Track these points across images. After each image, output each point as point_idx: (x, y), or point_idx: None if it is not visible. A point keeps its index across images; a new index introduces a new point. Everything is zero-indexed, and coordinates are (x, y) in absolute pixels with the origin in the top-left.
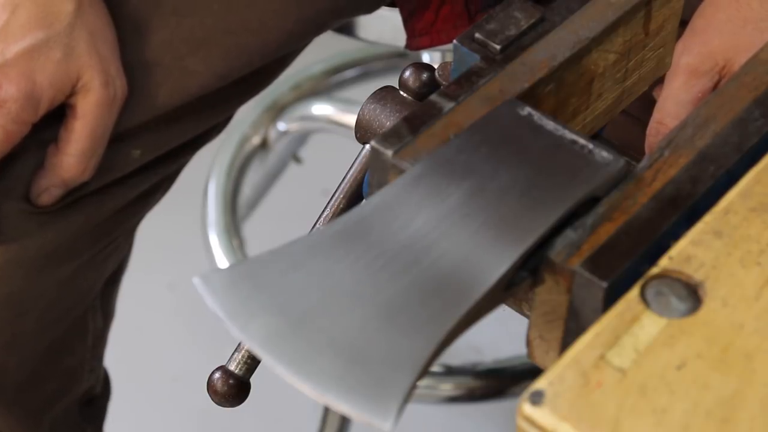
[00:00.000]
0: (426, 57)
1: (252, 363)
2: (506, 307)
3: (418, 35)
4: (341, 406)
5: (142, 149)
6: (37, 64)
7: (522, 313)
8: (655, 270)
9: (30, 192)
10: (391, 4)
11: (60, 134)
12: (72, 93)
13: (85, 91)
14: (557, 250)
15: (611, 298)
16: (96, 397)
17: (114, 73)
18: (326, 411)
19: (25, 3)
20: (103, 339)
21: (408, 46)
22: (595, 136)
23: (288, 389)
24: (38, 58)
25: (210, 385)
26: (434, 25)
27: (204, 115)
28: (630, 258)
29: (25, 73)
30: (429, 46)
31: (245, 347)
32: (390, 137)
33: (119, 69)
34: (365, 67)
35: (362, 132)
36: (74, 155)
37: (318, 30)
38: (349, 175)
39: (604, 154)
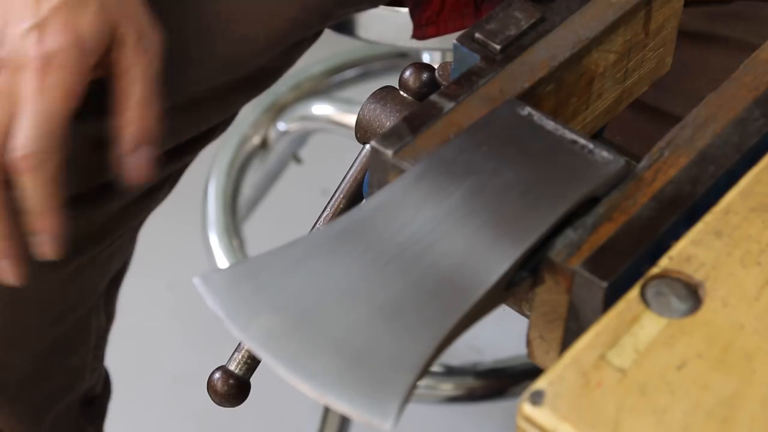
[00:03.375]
0: (426, 57)
1: (252, 363)
2: (506, 307)
3: (425, 24)
4: (341, 406)
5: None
6: (76, 15)
7: (522, 313)
8: (655, 270)
9: (127, 178)
10: (392, 3)
11: (114, 98)
12: (111, 47)
13: (122, 43)
14: (557, 250)
15: (611, 298)
16: (96, 397)
17: (146, 25)
18: (326, 411)
19: None
20: (105, 339)
21: (414, 35)
22: (595, 136)
23: (288, 389)
24: (75, 10)
25: (210, 385)
26: (441, 14)
27: (208, 112)
28: (630, 258)
29: (66, 23)
30: (436, 35)
31: (245, 347)
32: (390, 137)
33: (152, 21)
34: (365, 67)
35: (362, 132)
36: (135, 105)
37: (322, 20)
38: (349, 175)
39: (604, 154)
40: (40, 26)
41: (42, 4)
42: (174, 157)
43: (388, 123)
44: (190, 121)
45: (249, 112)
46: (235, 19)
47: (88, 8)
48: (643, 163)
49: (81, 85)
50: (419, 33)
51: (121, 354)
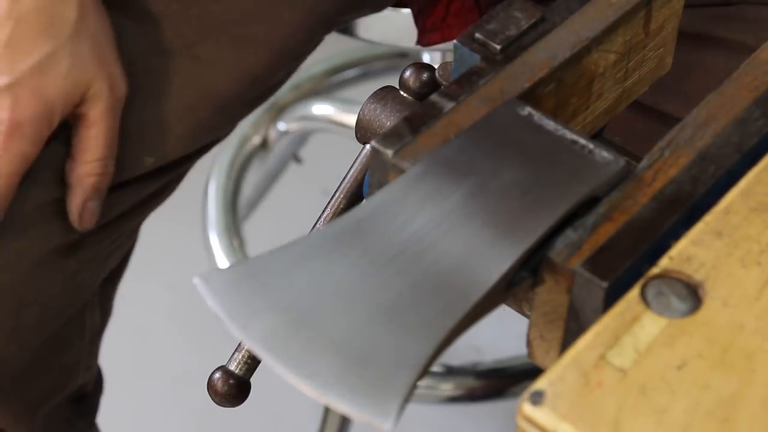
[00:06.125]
0: (426, 57)
1: (252, 363)
2: (506, 307)
3: (429, 31)
4: (341, 406)
5: (156, 156)
6: (48, 79)
7: (522, 313)
8: (655, 270)
9: (71, 217)
10: (395, 4)
11: (73, 146)
12: (81, 102)
13: (95, 99)
14: (557, 250)
15: (611, 298)
16: (88, 394)
17: (117, 74)
18: (326, 411)
19: (26, 15)
20: (99, 337)
21: (419, 42)
22: (595, 136)
23: (288, 389)
24: (48, 72)
25: (210, 385)
26: (445, 20)
27: (210, 121)
28: (630, 258)
29: (37, 91)
30: (440, 41)
31: (245, 347)
32: (390, 137)
33: (121, 69)
34: (365, 67)
35: (362, 132)
36: (94, 161)
37: (325, 26)
38: (349, 175)
39: (604, 154)
40: (12, 88)
41: (17, 64)
42: (177, 164)
43: (388, 123)
44: (196, 134)
45: None
46: (237, 21)
47: (60, 69)
48: (643, 163)
49: (37, 153)
50: (424, 39)
51: (120, 354)
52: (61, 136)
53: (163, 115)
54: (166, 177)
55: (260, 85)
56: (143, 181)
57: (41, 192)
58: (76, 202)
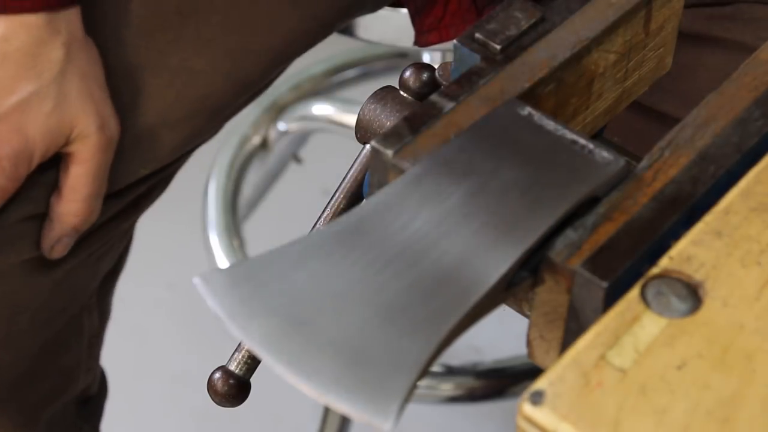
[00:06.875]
0: (426, 57)
1: (252, 363)
2: (506, 307)
3: (426, 31)
4: (341, 406)
5: (150, 167)
6: (29, 117)
7: (522, 313)
8: (655, 270)
9: (42, 245)
10: (393, 4)
11: (61, 182)
12: (68, 142)
13: (82, 138)
14: (557, 250)
15: (611, 298)
16: (93, 397)
17: (108, 113)
18: (326, 411)
19: (13, 54)
20: (99, 338)
21: (417, 42)
22: (595, 136)
23: (288, 389)
24: (29, 111)
25: (210, 385)
26: (442, 20)
27: (202, 123)
28: (630, 258)
29: (17, 128)
30: (438, 41)
31: (245, 347)
32: (390, 137)
33: (111, 107)
34: (365, 67)
35: (362, 132)
36: (80, 200)
37: (323, 30)
38: (349, 175)
39: (604, 154)
40: None
41: (1, 100)
42: (165, 168)
43: (388, 123)
44: (184, 132)
45: (249, 112)
46: (235, 30)
47: (43, 108)
48: (643, 163)
49: (14, 189)
50: (421, 40)
51: (120, 354)
52: (56, 163)
53: (157, 128)
54: (155, 180)
55: (254, 89)
56: (132, 186)
57: (32, 207)
58: (51, 236)
